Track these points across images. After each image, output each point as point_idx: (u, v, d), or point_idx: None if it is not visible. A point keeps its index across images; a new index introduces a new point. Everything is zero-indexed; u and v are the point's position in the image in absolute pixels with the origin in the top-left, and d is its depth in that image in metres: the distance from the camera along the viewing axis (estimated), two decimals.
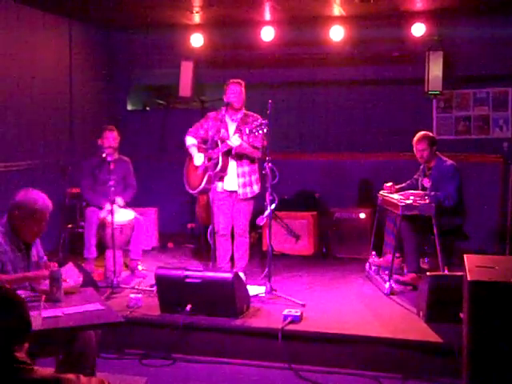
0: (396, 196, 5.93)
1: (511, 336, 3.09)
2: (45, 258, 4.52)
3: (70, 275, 4.01)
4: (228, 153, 5.84)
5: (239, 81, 5.99)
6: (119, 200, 6.34)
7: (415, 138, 6.05)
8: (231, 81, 5.99)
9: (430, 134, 6.18)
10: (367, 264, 6.43)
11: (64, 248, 6.93)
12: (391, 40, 7.88)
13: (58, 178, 7.07)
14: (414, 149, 6.04)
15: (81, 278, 4.13)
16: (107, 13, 7.70)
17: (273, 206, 5.66)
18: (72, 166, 7.11)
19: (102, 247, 6.34)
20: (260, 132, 5.55)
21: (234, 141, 5.71)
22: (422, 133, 6.10)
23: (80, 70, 8.11)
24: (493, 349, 3.12)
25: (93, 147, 6.68)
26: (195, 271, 5.09)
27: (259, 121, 5.60)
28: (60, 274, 3.71)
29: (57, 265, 3.97)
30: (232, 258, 6.16)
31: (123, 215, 6.30)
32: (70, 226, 7.06)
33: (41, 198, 3.95)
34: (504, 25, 7.42)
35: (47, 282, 3.73)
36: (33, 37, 7.18)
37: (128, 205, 6.53)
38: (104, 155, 6.09)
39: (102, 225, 6.21)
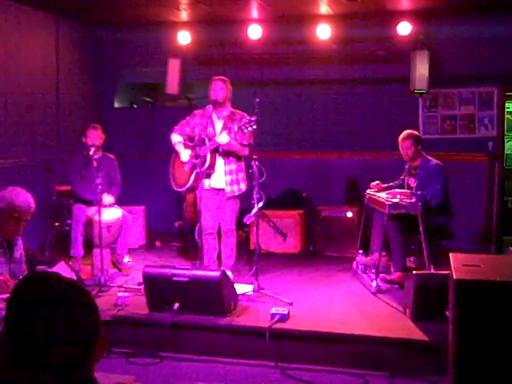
0: (383, 195, 5.96)
1: (496, 334, 3.12)
2: (24, 266, 4.49)
3: (63, 274, 3.99)
4: (215, 150, 5.84)
5: (222, 77, 6.00)
6: (106, 197, 6.32)
7: (400, 136, 6.10)
8: (214, 77, 6.01)
9: (416, 133, 6.23)
10: (354, 262, 6.45)
11: (51, 246, 6.90)
12: (377, 39, 7.90)
13: (45, 176, 7.04)
14: (400, 146, 6.10)
15: (74, 276, 4.12)
16: (94, 10, 7.66)
17: (260, 204, 5.67)
18: (59, 164, 7.08)
19: (89, 245, 6.33)
20: (249, 129, 5.55)
21: (223, 138, 5.70)
22: (408, 131, 6.15)
23: (67, 67, 8.07)
24: (478, 347, 3.15)
25: (80, 145, 6.65)
26: (183, 270, 5.10)
27: (248, 118, 5.60)
28: None
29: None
30: (219, 257, 6.17)
31: (111, 213, 6.29)
32: (57, 224, 7.03)
33: (22, 197, 3.92)
34: (490, 25, 7.47)
35: None
36: (18, 33, 7.11)
37: (115, 203, 6.52)
38: (91, 152, 6.08)
39: (90, 223, 6.19)
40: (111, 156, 6.70)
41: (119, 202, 6.61)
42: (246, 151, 5.95)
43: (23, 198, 3.92)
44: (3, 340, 1.53)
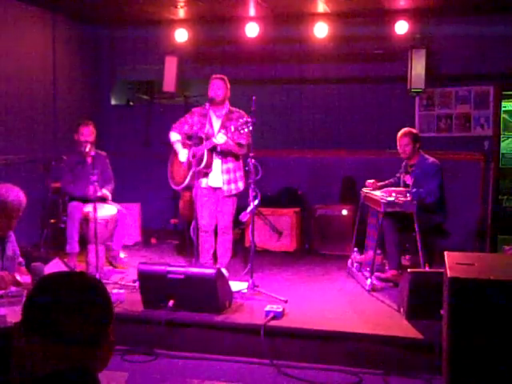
0: (378, 193, 5.96)
1: (490, 332, 3.13)
2: (20, 259, 4.49)
3: (58, 270, 4.00)
4: (213, 150, 5.85)
5: (222, 76, 6.01)
6: (105, 191, 6.33)
7: (399, 133, 6.12)
8: (214, 76, 6.02)
9: (414, 131, 6.25)
10: (349, 260, 6.46)
11: (46, 243, 6.89)
12: (375, 38, 7.90)
13: (41, 173, 7.03)
14: (398, 144, 6.11)
15: None
16: (91, 7, 7.66)
17: (256, 202, 5.67)
18: (55, 161, 7.07)
19: (84, 242, 6.32)
20: (246, 130, 5.56)
21: (220, 138, 5.71)
22: (407, 128, 6.18)
23: (63, 64, 8.06)
24: (472, 345, 3.16)
25: (74, 142, 6.64)
26: (178, 267, 5.10)
27: (245, 119, 5.60)
28: (42, 269, 3.70)
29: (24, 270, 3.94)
30: (215, 254, 6.17)
31: (107, 210, 6.29)
32: (52, 220, 7.02)
33: (14, 193, 3.92)
34: (486, 24, 7.47)
35: (28, 276, 3.72)
36: (14, 30, 7.10)
37: (111, 199, 6.51)
38: (87, 149, 6.07)
39: (85, 219, 6.18)
40: (103, 153, 6.69)
41: (115, 199, 6.60)
42: (243, 150, 5.96)
43: (14, 194, 3.92)
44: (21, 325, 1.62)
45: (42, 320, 1.60)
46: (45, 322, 1.60)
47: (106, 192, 6.37)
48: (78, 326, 1.61)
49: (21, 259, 4.43)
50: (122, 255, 6.55)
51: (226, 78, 6.00)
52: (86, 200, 6.22)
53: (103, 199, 6.36)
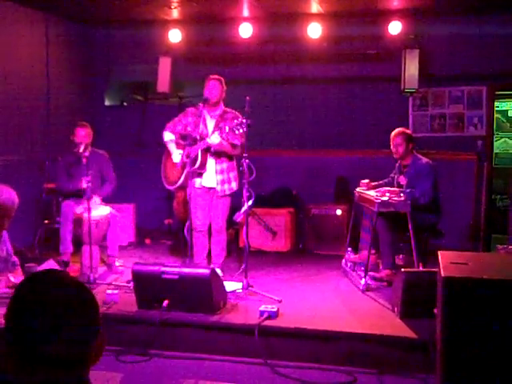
0: (372, 193, 5.98)
1: (484, 331, 3.14)
2: (14, 258, 4.48)
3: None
4: (207, 150, 5.85)
5: (219, 77, 6.01)
6: (96, 199, 6.30)
7: (392, 133, 6.13)
8: (211, 76, 6.02)
9: (407, 131, 6.27)
10: (343, 260, 6.47)
11: (40, 243, 6.88)
12: (368, 38, 7.92)
13: (35, 174, 7.02)
14: (391, 143, 6.12)
15: None
16: (84, 7, 7.65)
17: (250, 202, 5.67)
18: (49, 162, 7.06)
19: (78, 243, 6.31)
20: (240, 131, 5.56)
21: (214, 139, 5.71)
22: (400, 129, 6.20)
23: (57, 65, 8.05)
24: (466, 344, 3.16)
25: (70, 143, 6.63)
26: (172, 267, 5.10)
27: (239, 119, 5.60)
28: (36, 270, 3.68)
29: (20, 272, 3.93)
30: (209, 255, 6.17)
31: (99, 211, 6.27)
32: (46, 221, 7.02)
33: (6, 193, 3.91)
34: (480, 24, 7.50)
35: (22, 277, 3.71)
36: (7, 31, 7.09)
37: (106, 200, 6.50)
38: (81, 150, 6.06)
39: (78, 220, 6.17)
40: (102, 152, 6.65)
41: (109, 200, 6.58)
42: (237, 151, 5.96)
43: (7, 194, 3.91)
44: (4, 335, 1.55)
45: (24, 339, 1.53)
46: (33, 350, 1.52)
47: (96, 200, 6.31)
48: (61, 349, 1.53)
49: (15, 258, 4.42)
50: (117, 263, 6.50)
51: (222, 80, 6.01)
52: (78, 196, 6.19)
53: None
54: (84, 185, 5.99)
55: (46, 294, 1.57)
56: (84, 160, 5.91)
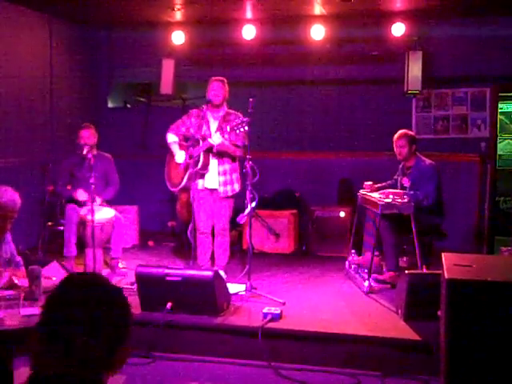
0: (376, 195, 5.97)
1: (487, 334, 3.13)
2: (18, 258, 4.47)
3: (56, 273, 4.00)
4: (209, 151, 5.85)
5: (221, 78, 6.01)
6: (97, 200, 6.30)
7: (395, 135, 6.12)
8: (213, 78, 6.02)
9: (410, 133, 6.26)
10: (347, 262, 6.47)
11: (44, 246, 6.88)
12: (371, 39, 7.93)
13: (39, 176, 7.03)
14: (394, 145, 6.11)
15: None
16: (88, 10, 7.65)
17: (253, 204, 5.67)
18: (52, 164, 7.07)
19: (81, 245, 6.31)
20: (241, 130, 5.56)
21: (216, 139, 5.71)
22: (403, 130, 6.18)
23: (60, 67, 8.06)
24: (470, 346, 3.16)
25: (73, 145, 6.64)
26: (175, 269, 5.10)
27: (240, 119, 5.60)
28: (39, 272, 3.69)
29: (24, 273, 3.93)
30: (212, 256, 6.17)
31: (103, 213, 6.27)
32: (49, 223, 7.01)
33: (8, 194, 3.92)
34: (483, 25, 7.49)
35: (26, 279, 3.71)
36: (11, 33, 7.10)
37: (109, 202, 6.50)
38: (84, 152, 6.06)
39: (82, 223, 6.17)
40: (107, 155, 6.66)
41: (112, 202, 6.59)
42: (239, 152, 5.95)
43: (9, 195, 3.91)
44: (39, 329, 1.63)
45: (58, 331, 1.60)
46: (60, 334, 1.59)
47: (96, 200, 6.32)
48: (91, 346, 1.59)
49: (19, 258, 4.42)
50: (120, 265, 6.50)
51: (225, 81, 6.01)
52: (76, 203, 6.21)
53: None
54: (80, 197, 6.02)
55: (86, 291, 1.67)
56: (90, 161, 5.90)
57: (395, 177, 6.37)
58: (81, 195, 6.26)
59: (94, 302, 1.64)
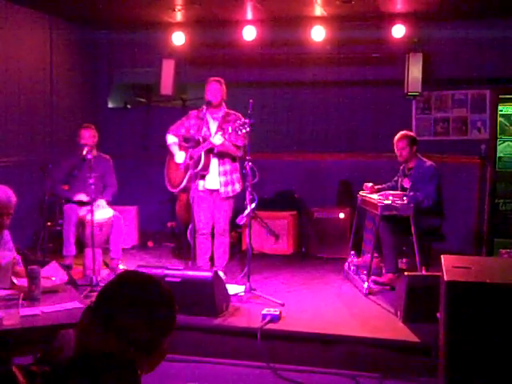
0: (375, 196, 5.97)
1: (487, 336, 3.13)
2: (18, 257, 4.46)
3: (55, 273, 3.99)
4: (210, 151, 5.84)
5: (218, 79, 6.01)
6: (102, 202, 6.30)
7: (396, 137, 6.12)
8: (210, 79, 6.02)
9: (411, 134, 6.25)
10: (346, 264, 6.46)
11: (43, 246, 6.87)
12: (372, 41, 7.93)
13: (38, 176, 7.01)
14: (395, 147, 6.11)
15: (66, 276, 4.12)
16: (88, 10, 7.65)
17: (253, 205, 5.67)
18: (52, 164, 7.05)
19: (80, 245, 6.31)
20: (243, 131, 5.56)
21: (217, 140, 5.71)
22: (404, 132, 6.18)
23: (61, 67, 8.06)
24: (468, 348, 3.15)
25: (73, 145, 6.64)
26: (175, 270, 5.10)
27: (242, 120, 5.60)
28: (39, 272, 3.68)
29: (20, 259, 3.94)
30: (212, 257, 6.17)
31: (102, 213, 6.27)
32: (48, 223, 7.00)
33: (1, 191, 3.91)
34: (483, 28, 7.49)
35: (25, 279, 3.71)
36: (11, 33, 7.10)
37: (109, 203, 6.49)
38: (84, 152, 6.06)
39: (81, 223, 6.17)
40: (106, 156, 6.66)
41: (112, 202, 6.58)
42: (240, 152, 5.96)
43: (2, 192, 3.91)
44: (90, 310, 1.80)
45: (108, 309, 1.74)
46: (109, 312, 1.73)
47: (101, 203, 6.32)
48: (137, 326, 1.72)
49: (17, 257, 4.41)
50: (120, 266, 6.50)
51: (222, 81, 6.01)
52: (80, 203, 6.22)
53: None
54: (76, 198, 6.03)
55: (136, 285, 1.80)
56: (90, 162, 5.90)
57: (396, 178, 6.37)
58: (82, 197, 6.25)
59: (145, 296, 1.78)
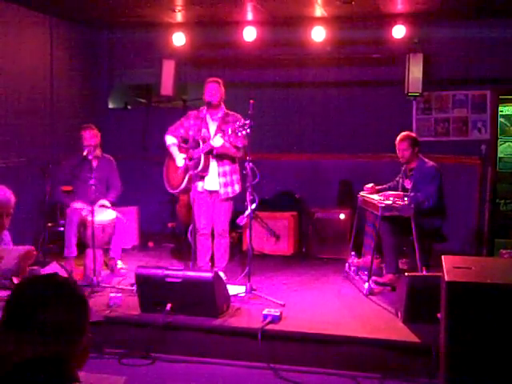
0: (376, 197, 5.97)
1: (487, 336, 3.13)
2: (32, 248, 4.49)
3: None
4: (209, 153, 5.84)
5: (216, 79, 6.01)
6: (105, 202, 6.31)
7: (398, 138, 6.11)
8: (208, 79, 6.02)
9: (413, 135, 6.24)
10: (347, 264, 6.46)
11: (44, 246, 6.88)
12: (372, 42, 7.93)
13: (39, 177, 7.02)
14: (396, 148, 6.10)
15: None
16: (89, 10, 7.65)
17: (253, 205, 5.67)
18: (53, 165, 7.06)
19: (82, 246, 6.31)
20: (243, 132, 5.55)
21: (216, 141, 5.71)
22: (405, 133, 6.17)
23: (61, 67, 8.05)
24: (469, 349, 3.16)
25: (74, 145, 6.64)
26: (175, 270, 5.09)
27: (242, 121, 5.59)
28: (39, 273, 3.69)
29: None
30: (212, 258, 6.17)
31: (105, 215, 6.27)
32: (50, 224, 7.01)
33: (0, 192, 3.92)
34: (484, 28, 7.49)
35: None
36: (11, 33, 7.09)
37: (111, 204, 6.49)
38: (85, 153, 6.06)
39: (83, 224, 6.17)
40: (110, 158, 6.66)
41: (114, 202, 6.58)
42: (239, 153, 5.96)
43: (1, 192, 3.92)
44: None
45: (20, 314, 1.70)
46: (21, 316, 1.70)
47: (104, 203, 6.33)
48: (52, 317, 1.69)
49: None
50: (120, 265, 6.50)
51: (220, 81, 6.01)
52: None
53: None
54: (74, 206, 6.03)
55: (43, 288, 1.76)
56: (91, 162, 5.90)
57: (397, 179, 6.36)
58: (79, 205, 6.25)
59: (51, 292, 1.74)
